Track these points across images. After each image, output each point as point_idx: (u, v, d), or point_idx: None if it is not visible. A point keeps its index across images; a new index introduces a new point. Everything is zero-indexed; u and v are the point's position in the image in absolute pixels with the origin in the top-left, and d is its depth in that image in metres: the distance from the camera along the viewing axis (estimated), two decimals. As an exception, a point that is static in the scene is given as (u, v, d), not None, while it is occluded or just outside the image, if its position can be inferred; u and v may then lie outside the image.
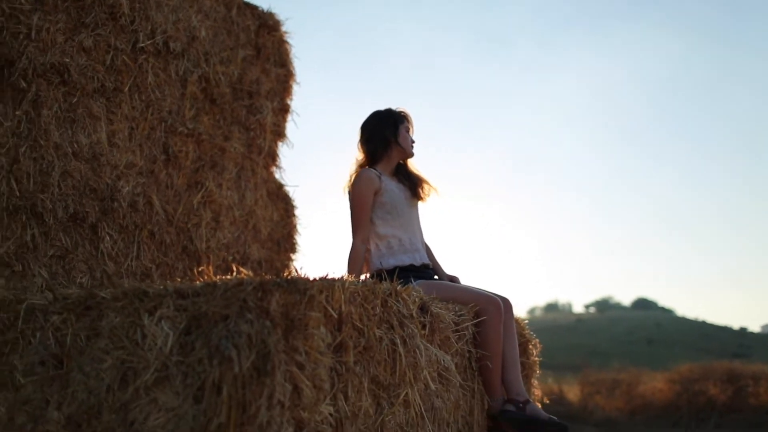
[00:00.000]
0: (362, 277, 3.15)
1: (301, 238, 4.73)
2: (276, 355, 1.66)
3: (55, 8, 3.12)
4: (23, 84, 2.99)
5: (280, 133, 4.56)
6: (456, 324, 2.66)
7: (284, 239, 4.59)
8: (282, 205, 4.59)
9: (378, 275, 3.03)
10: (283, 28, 4.60)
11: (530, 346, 3.52)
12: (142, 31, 3.52)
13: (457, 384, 2.60)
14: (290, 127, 4.69)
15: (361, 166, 3.32)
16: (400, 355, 2.15)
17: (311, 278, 1.91)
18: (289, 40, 4.63)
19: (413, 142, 3.34)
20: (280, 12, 4.66)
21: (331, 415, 1.88)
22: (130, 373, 1.82)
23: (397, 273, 2.90)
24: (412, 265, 3.06)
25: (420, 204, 3.33)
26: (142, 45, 3.51)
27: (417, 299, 2.37)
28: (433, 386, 2.36)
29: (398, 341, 2.15)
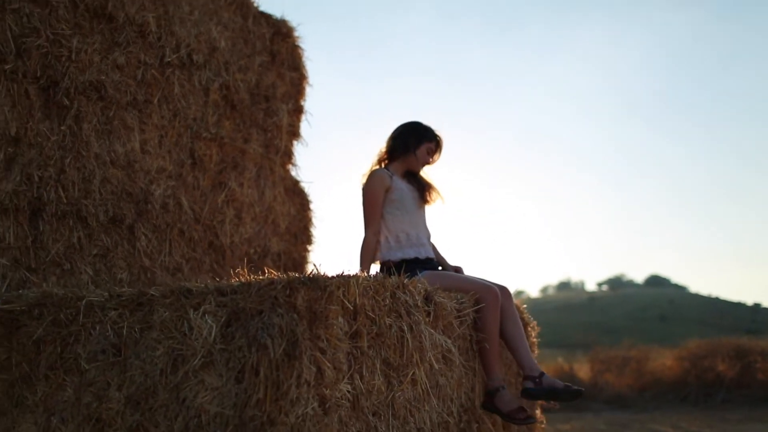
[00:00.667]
0: (373, 267, 3.49)
1: (317, 231, 5.09)
2: (303, 343, 2.00)
3: (91, 31, 3.45)
4: (66, 102, 3.33)
5: (295, 133, 4.90)
6: (458, 311, 2.99)
7: (301, 232, 4.93)
8: (298, 200, 4.93)
9: (386, 267, 3.38)
10: (296, 34, 4.92)
11: (528, 328, 3.86)
12: (168, 46, 3.85)
13: (460, 364, 2.94)
14: (304, 126, 5.03)
15: (379, 160, 3.67)
16: (408, 340, 2.48)
17: (330, 276, 2.24)
18: (300, 44, 4.96)
19: (428, 163, 3.67)
20: (292, 17, 4.97)
21: (348, 392, 2.22)
22: (179, 359, 2.16)
23: (405, 266, 3.26)
24: (417, 258, 3.40)
25: (427, 207, 3.68)
26: (169, 59, 3.83)
27: (422, 290, 2.70)
28: (437, 366, 2.70)
29: (406, 328, 2.48)
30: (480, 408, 3.20)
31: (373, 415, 2.34)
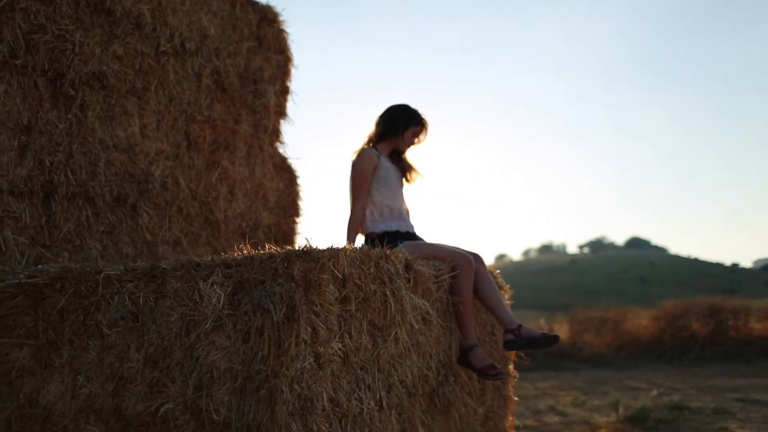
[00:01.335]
0: (359, 238, 3.84)
1: (304, 203, 5.40)
2: (300, 307, 2.33)
3: (92, 25, 3.70)
4: (72, 92, 3.60)
5: (281, 113, 5.18)
6: (435, 277, 3.33)
7: (289, 205, 5.24)
8: (286, 175, 5.23)
9: (371, 238, 3.73)
10: (281, 18, 5.18)
11: (502, 292, 4.21)
12: (163, 36, 4.10)
13: (437, 324, 3.29)
14: (290, 107, 5.31)
15: (369, 140, 4.01)
16: (390, 303, 2.81)
17: (321, 249, 2.56)
18: (286, 28, 5.22)
19: (413, 144, 4.01)
20: (276, 2, 5.22)
21: (339, 349, 2.56)
22: (192, 323, 2.48)
23: (387, 238, 3.61)
24: (398, 231, 3.74)
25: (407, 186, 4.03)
26: (163, 48, 4.09)
27: (403, 260, 3.03)
28: (417, 326, 3.04)
29: (389, 293, 2.82)
30: (457, 363, 3.56)
31: (361, 369, 2.68)
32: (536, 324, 14.29)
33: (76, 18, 3.61)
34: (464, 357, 3.52)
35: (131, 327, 2.61)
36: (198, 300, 2.47)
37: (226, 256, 2.58)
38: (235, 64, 4.67)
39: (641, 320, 14.40)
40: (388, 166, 3.88)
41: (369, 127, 4.05)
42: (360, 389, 2.65)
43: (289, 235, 5.19)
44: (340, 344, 2.56)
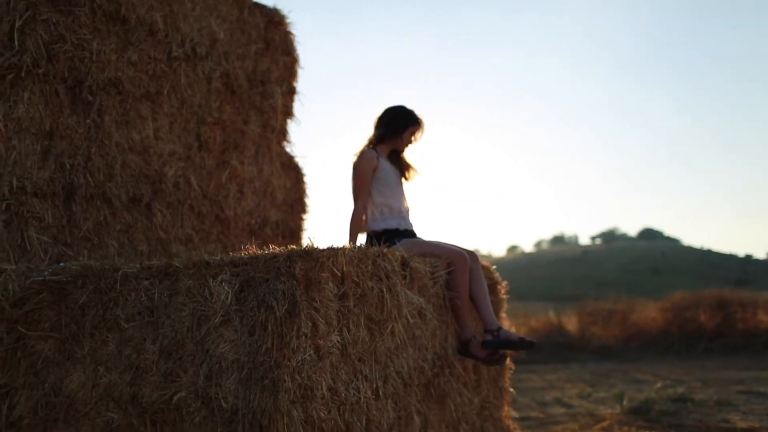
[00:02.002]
0: (360, 236, 4.04)
1: (310, 200, 5.61)
2: (301, 303, 2.53)
3: (108, 33, 3.91)
4: (90, 98, 3.81)
5: (288, 113, 5.38)
6: (431, 273, 3.52)
7: (296, 202, 5.45)
8: (293, 174, 5.43)
9: (372, 236, 3.93)
10: (287, 21, 5.37)
11: (498, 287, 4.40)
12: (174, 41, 4.31)
13: (433, 319, 3.48)
14: (297, 107, 5.51)
15: (369, 142, 4.20)
16: (387, 299, 3.01)
17: (321, 248, 2.76)
18: (292, 31, 5.41)
19: (411, 143, 4.20)
20: (282, 4, 5.40)
21: (338, 342, 2.75)
22: (202, 318, 2.69)
23: (386, 236, 3.81)
24: (397, 229, 3.94)
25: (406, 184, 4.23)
26: (175, 54, 4.30)
27: (399, 258, 3.23)
28: (412, 321, 3.24)
29: (385, 290, 3.01)
30: (457, 354, 3.76)
31: (359, 360, 2.89)
32: (545, 317, 14.46)
33: (93, 27, 3.82)
34: (465, 348, 3.72)
35: (147, 321, 2.82)
36: (208, 296, 2.68)
37: (234, 255, 2.79)
38: (244, 67, 4.87)
39: (650, 312, 14.43)
40: (387, 167, 4.08)
41: (369, 128, 4.24)
42: (357, 379, 2.85)
43: (296, 231, 5.40)
44: (338, 337, 2.75)
